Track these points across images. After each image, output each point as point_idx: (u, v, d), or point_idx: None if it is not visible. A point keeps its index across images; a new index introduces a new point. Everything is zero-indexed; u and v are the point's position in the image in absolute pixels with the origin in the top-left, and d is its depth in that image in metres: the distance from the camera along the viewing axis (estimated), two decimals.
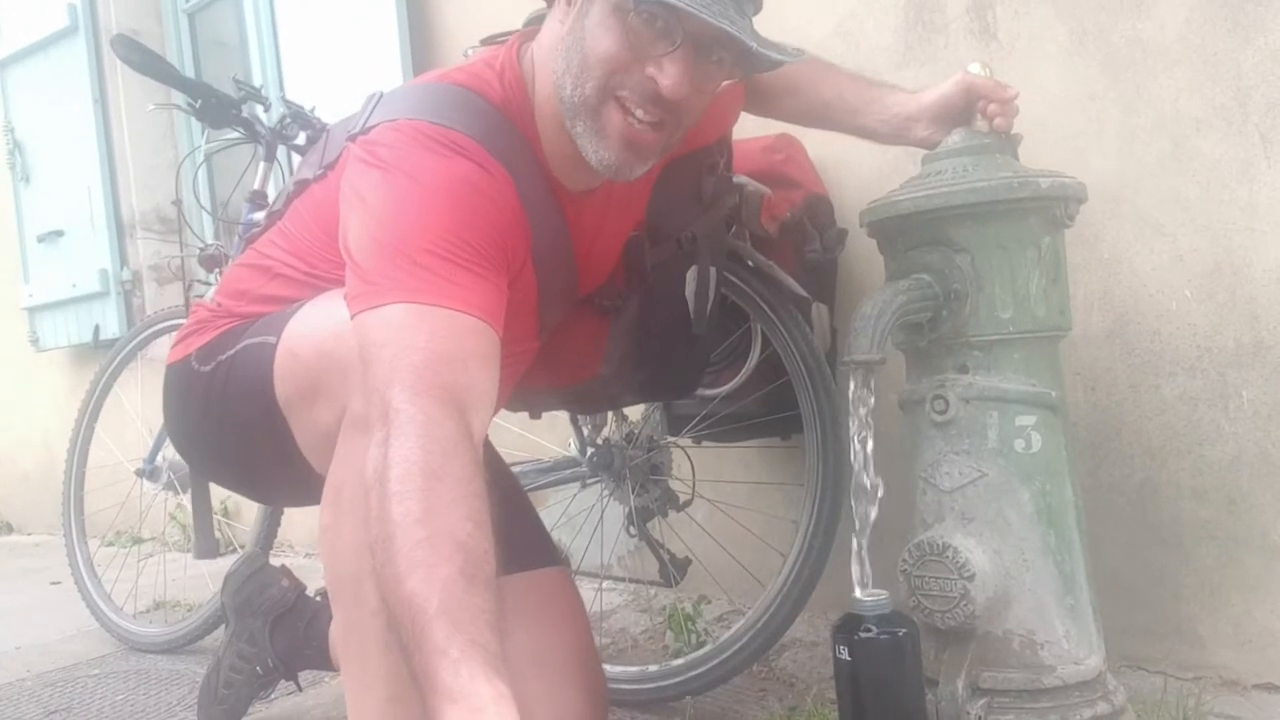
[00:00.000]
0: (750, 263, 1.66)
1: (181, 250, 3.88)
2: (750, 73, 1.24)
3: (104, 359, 2.66)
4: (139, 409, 2.70)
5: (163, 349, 1.89)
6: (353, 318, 1.02)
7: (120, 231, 3.80)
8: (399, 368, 0.93)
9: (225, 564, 1.86)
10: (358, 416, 1.01)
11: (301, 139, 2.34)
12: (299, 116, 2.31)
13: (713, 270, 1.52)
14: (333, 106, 2.15)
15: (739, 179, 1.65)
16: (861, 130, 1.45)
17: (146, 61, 2.19)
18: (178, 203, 3.77)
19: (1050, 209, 1.31)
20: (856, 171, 1.83)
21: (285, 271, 1.29)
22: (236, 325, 1.29)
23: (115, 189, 3.80)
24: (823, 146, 1.82)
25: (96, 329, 3.80)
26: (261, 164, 2.37)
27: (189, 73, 3.86)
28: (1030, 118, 1.58)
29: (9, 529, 4.62)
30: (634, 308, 1.48)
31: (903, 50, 1.78)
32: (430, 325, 0.97)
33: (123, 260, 3.79)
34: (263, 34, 3.37)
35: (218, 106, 2.29)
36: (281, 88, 3.30)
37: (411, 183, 1.07)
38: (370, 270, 1.02)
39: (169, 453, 2.39)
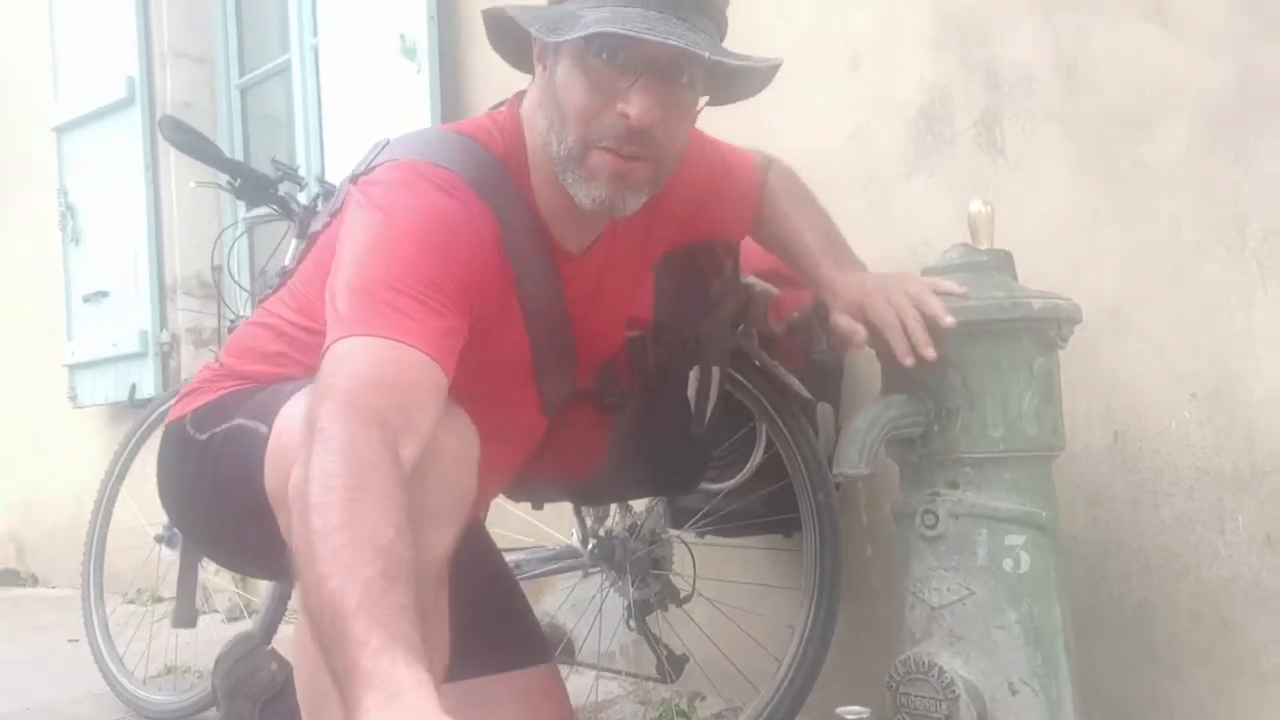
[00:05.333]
0: (756, 362, 1.69)
1: (219, 315, 3.99)
2: (726, 92, 1.24)
3: (134, 421, 2.73)
4: None
5: None
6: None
7: (162, 295, 3.91)
8: (332, 390, 0.96)
9: (210, 632, 1.88)
10: None
11: None
12: (331, 195, 2.39)
13: (716, 371, 1.55)
14: None
15: (748, 279, 1.69)
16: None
17: (190, 142, 2.28)
18: (216, 269, 3.90)
19: (1043, 330, 1.33)
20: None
21: (288, 330, 1.31)
22: (237, 390, 1.30)
23: (160, 254, 3.91)
24: None
25: (133, 388, 3.90)
26: (294, 241, 2.45)
27: (238, 144, 4.01)
28: (1034, 234, 1.62)
29: (34, 581, 4.69)
30: (636, 405, 1.50)
31: (912, 159, 1.82)
32: (372, 355, 1.00)
33: (162, 322, 3.89)
34: (308, 111, 3.50)
35: (255, 185, 2.37)
36: (323, 162, 3.41)
37: (388, 222, 1.11)
38: (339, 310, 1.06)
39: None
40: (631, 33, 1.05)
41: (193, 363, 3.93)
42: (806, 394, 1.69)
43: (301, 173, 2.54)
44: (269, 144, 4.02)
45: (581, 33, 1.07)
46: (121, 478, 2.71)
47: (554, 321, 1.28)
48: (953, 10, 1.77)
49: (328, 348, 1.03)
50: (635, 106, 1.09)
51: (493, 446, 1.21)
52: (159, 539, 2.47)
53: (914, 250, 1.75)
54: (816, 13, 1.96)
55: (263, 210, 2.44)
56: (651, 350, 1.49)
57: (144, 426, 2.69)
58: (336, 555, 0.80)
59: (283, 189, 2.41)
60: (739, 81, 1.23)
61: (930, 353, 1.27)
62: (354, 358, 1.00)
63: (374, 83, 2.99)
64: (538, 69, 1.21)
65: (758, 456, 1.74)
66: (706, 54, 1.08)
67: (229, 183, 2.36)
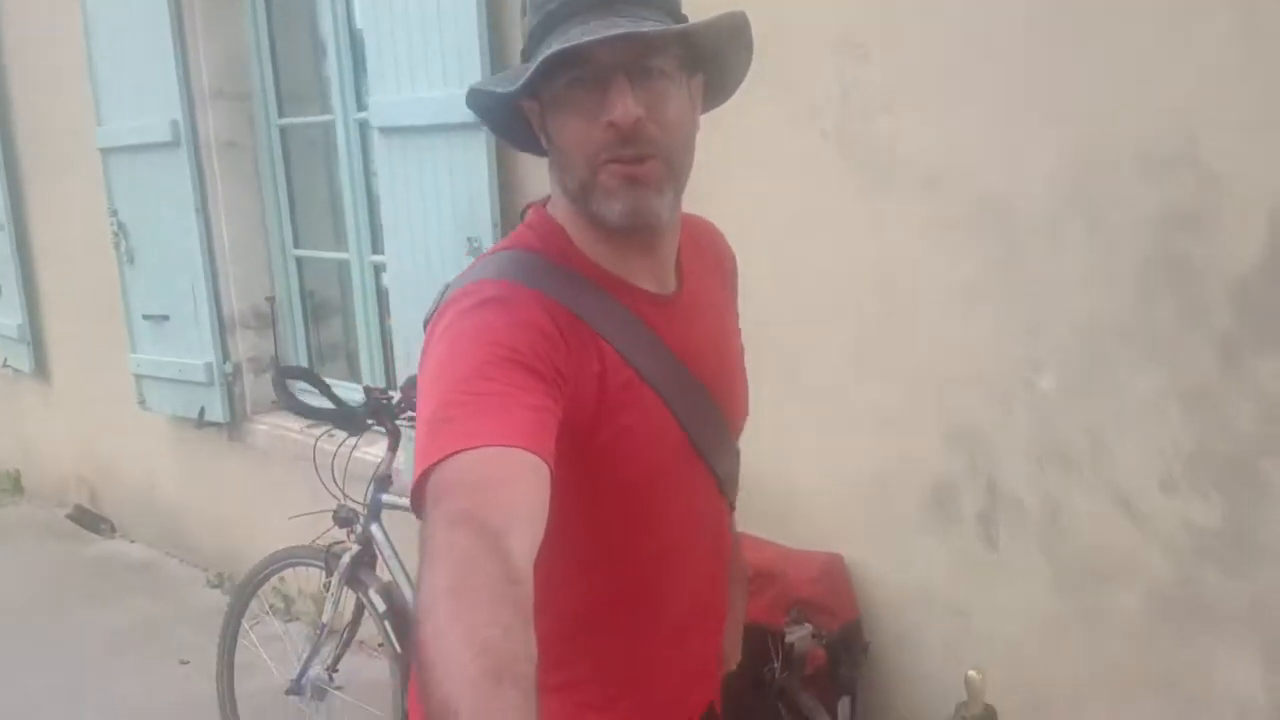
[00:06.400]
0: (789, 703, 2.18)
1: (275, 345, 4.38)
2: (703, 62, 1.19)
3: (228, 609, 3.18)
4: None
5: None
6: None
7: (222, 328, 4.24)
8: (426, 519, 0.92)
9: None
10: None
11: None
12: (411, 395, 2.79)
13: None
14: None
15: (790, 636, 2.15)
16: None
17: (296, 406, 2.66)
18: (270, 299, 4.26)
19: None
20: (883, 587, 2.32)
21: None
22: None
23: (216, 290, 4.21)
24: (862, 569, 2.31)
25: (202, 411, 4.34)
26: (386, 452, 2.84)
27: (281, 183, 4.21)
28: (1017, 653, 2.07)
29: (113, 530, 5.27)
30: None
31: (919, 526, 2.24)
32: (452, 469, 0.95)
33: (225, 354, 4.25)
34: (352, 154, 3.76)
35: (351, 417, 2.75)
36: (369, 197, 3.74)
37: (444, 348, 1.08)
38: (418, 451, 1.01)
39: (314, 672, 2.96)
40: (569, 43, 1.05)
41: (254, 388, 4.33)
42: None
43: (388, 393, 2.87)
44: (311, 176, 4.23)
45: (532, 67, 1.08)
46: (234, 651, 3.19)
47: (668, 367, 1.21)
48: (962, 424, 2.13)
49: (415, 489, 0.98)
50: (612, 110, 1.08)
51: (699, 544, 1.29)
52: (289, 691, 2.99)
53: None
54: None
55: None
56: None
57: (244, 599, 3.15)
58: (443, 659, 0.77)
59: (373, 413, 2.78)
60: (718, 62, 1.21)
61: None
62: (435, 480, 0.94)
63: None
64: (545, 143, 1.20)
65: None
66: (645, 28, 1.07)
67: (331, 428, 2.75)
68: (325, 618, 2.90)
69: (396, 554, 2.80)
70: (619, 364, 1.16)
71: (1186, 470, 1.87)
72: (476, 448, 0.95)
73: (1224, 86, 1.76)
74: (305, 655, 2.97)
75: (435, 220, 3.15)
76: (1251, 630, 1.83)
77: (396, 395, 2.87)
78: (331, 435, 2.82)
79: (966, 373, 2.11)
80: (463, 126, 2.98)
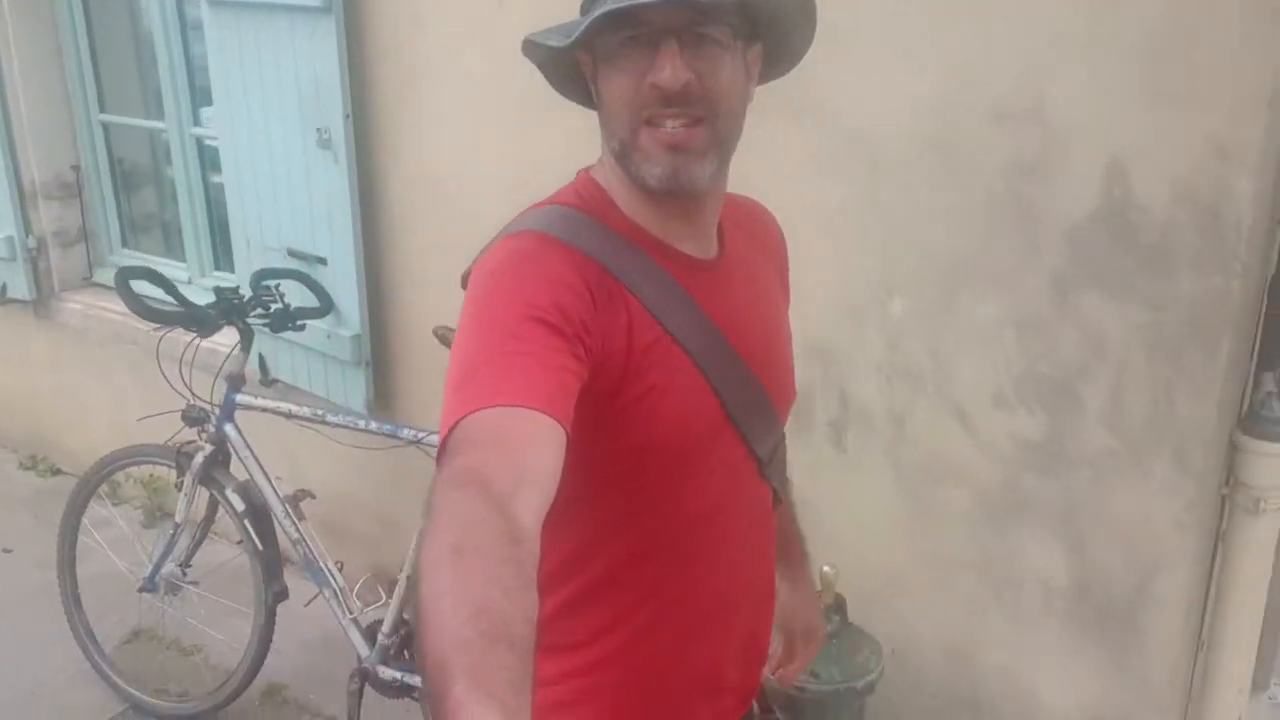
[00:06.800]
0: None
1: (83, 217, 4.15)
2: (763, 32, 1.17)
3: (68, 501, 3.08)
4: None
5: None
6: None
7: (22, 199, 3.94)
8: (435, 479, 0.90)
9: None
10: None
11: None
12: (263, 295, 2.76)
13: None
14: None
15: None
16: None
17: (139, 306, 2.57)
18: (75, 169, 4.03)
19: None
20: None
21: None
22: None
23: (14, 157, 3.88)
24: None
25: (4, 287, 4.06)
26: (239, 352, 2.79)
27: (83, 39, 3.86)
28: (862, 547, 2.32)
29: None
30: None
31: None
32: (467, 428, 0.94)
33: (27, 228, 3.96)
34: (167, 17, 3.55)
35: (203, 319, 2.68)
36: (188, 63, 3.58)
37: (468, 312, 1.07)
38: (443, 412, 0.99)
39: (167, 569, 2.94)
40: (624, 3, 1.04)
41: (62, 263, 4.08)
42: None
43: (240, 290, 2.79)
44: (118, 37, 3.90)
45: (585, 23, 1.07)
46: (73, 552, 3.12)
47: (703, 331, 1.18)
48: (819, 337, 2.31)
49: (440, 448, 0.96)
50: (661, 71, 1.06)
51: (734, 526, 1.27)
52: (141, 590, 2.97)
53: None
54: None
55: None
56: None
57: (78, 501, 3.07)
58: (440, 619, 0.75)
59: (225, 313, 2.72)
60: (778, 32, 1.18)
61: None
62: (450, 441, 0.94)
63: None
64: (595, 98, 1.18)
65: None
66: None
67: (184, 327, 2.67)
68: (179, 517, 2.88)
69: (253, 453, 2.79)
70: (649, 322, 1.14)
71: (1016, 389, 2.12)
72: (491, 407, 0.94)
73: (1071, 52, 1.93)
74: (158, 553, 2.95)
75: (277, 105, 3.01)
76: (1058, 524, 2.14)
77: (246, 293, 2.80)
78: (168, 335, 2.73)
79: (826, 292, 2.27)
80: (307, 9, 2.83)
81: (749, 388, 1.23)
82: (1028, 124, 1.99)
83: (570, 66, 1.18)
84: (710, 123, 1.10)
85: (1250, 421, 2.00)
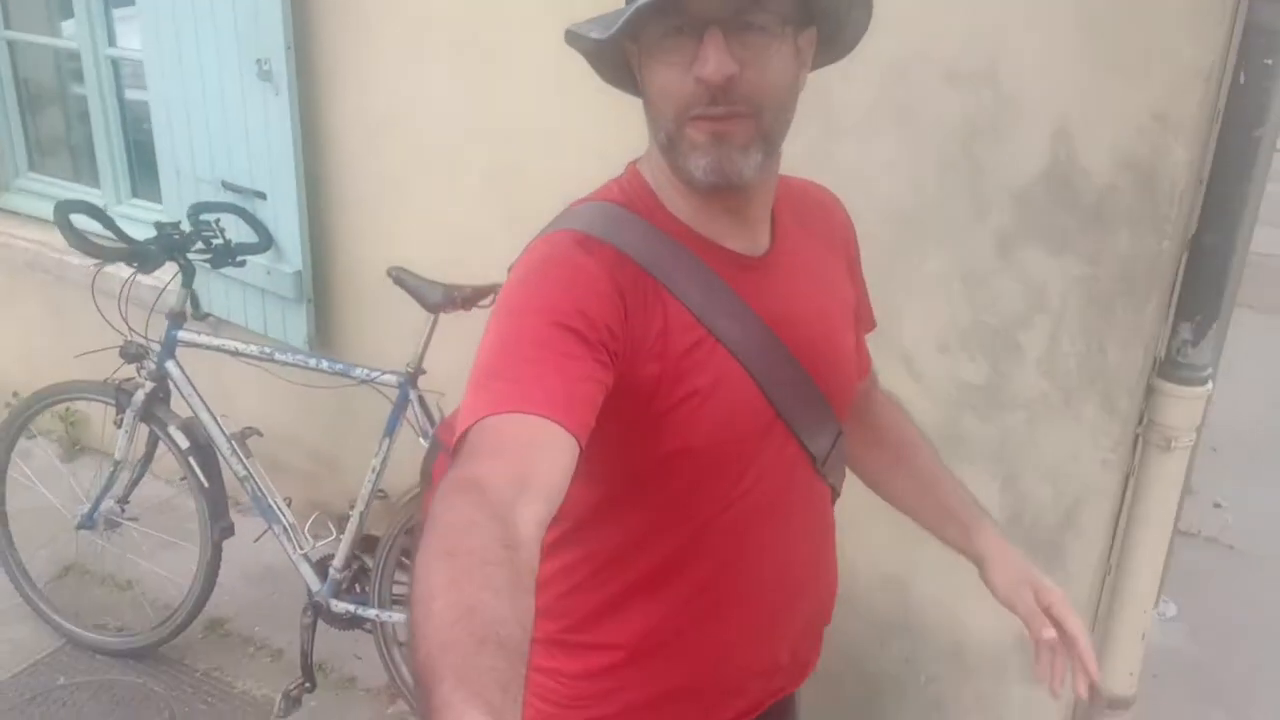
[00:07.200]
0: None
1: None
2: (815, 16, 1.13)
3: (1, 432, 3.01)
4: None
5: None
6: None
7: None
8: (440, 483, 0.89)
9: None
10: None
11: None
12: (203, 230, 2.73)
13: None
14: None
15: None
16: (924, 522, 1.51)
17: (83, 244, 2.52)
18: None
19: None
20: None
21: None
22: None
23: None
24: None
25: None
26: (180, 288, 2.75)
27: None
28: None
29: None
30: None
31: None
32: (474, 436, 0.94)
33: None
34: None
35: (144, 255, 2.63)
36: None
37: (496, 315, 1.06)
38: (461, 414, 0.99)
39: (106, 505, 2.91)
40: None
41: None
42: None
43: (181, 225, 2.74)
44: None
45: (626, 14, 1.04)
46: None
47: (756, 334, 1.16)
48: None
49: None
50: (705, 63, 1.03)
51: (788, 529, 1.25)
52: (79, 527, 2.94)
53: None
54: None
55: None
56: None
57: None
58: (429, 621, 0.74)
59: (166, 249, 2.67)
60: (832, 16, 1.15)
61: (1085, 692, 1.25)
62: (460, 446, 0.94)
63: None
64: (641, 89, 1.15)
65: None
66: None
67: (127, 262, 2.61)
68: (119, 454, 2.85)
69: (196, 390, 2.77)
70: (690, 323, 1.11)
71: (960, 337, 2.26)
72: (502, 413, 0.94)
73: (1023, 19, 2.03)
74: (97, 490, 2.92)
75: (211, 32, 2.92)
76: (995, 463, 2.31)
77: (186, 226, 2.75)
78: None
79: None
80: None
81: (801, 386, 1.21)
82: (980, 87, 2.10)
83: (618, 55, 1.15)
84: (755, 116, 1.07)
85: (1168, 367, 2.19)
